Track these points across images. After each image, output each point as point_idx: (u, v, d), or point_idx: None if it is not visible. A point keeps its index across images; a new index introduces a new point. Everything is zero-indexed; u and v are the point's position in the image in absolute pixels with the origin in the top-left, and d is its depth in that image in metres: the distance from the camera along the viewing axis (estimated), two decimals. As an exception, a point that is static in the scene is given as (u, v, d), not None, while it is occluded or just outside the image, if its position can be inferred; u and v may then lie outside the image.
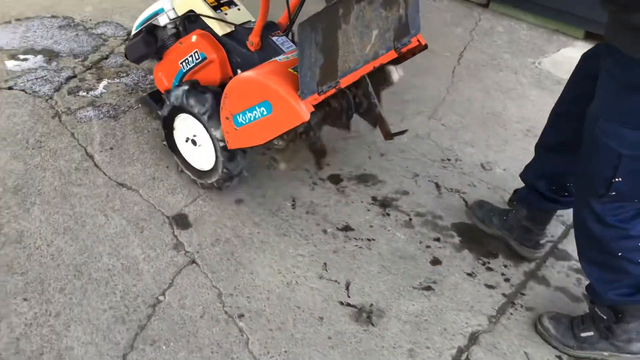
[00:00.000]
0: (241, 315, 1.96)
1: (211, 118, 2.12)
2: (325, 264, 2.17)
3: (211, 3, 2.24)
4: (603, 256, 1.78)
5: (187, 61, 2.29)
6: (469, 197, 2.50)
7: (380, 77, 2.16)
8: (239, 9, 2.29)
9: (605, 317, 1.84)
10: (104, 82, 3.00)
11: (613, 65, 1.58)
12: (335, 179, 2.55)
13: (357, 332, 1.95)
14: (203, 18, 2.23)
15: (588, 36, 3.64)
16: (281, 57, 2.01)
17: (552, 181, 2.05)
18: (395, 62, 2.16)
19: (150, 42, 2.45)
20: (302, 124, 1.84)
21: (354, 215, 2.38)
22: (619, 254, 1.73)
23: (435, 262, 2.21)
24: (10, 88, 2.90)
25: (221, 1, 2.27)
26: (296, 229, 2.30)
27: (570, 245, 2.33)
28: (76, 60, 3.13)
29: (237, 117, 1.96)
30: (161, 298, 2.00)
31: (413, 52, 2.18)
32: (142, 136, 2.66)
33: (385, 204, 2.45)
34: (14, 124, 2.68)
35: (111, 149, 2.60)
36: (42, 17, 3.48)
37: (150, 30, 2.44)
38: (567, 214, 2.46)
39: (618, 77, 1.56)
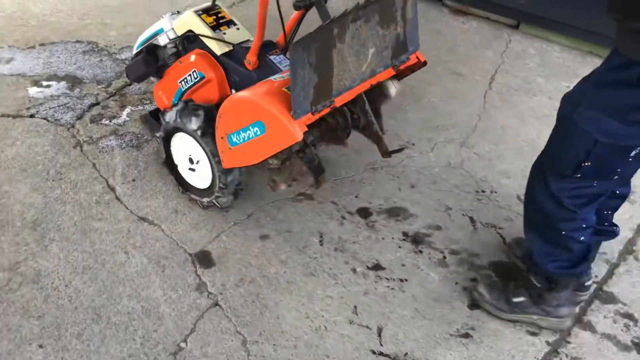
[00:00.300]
0: (267, 364, 1.85)
1: (205, 134, 2.12)
2: (355, 307, 2.05)
3: (210, 23, 2.25)
4: (548, 231, 1.85)
5: (185, 80, 2.30)
6: (506, 233, 2.37)
7: (377, 92, 2.14)
8: (237, 29, 2.30)
9: (539, 285, 1.95)
10: (127, 110, 2.93)
11: (614, 63, 1.58)
12: (365, 213, 2.44)
13: (390, 384, 1.83)
14: (202, 38, 2.24)
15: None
16: (277, 76, 2.01)
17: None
18: (395, 77, 2.13)
19: (151, 61, 2.45)
20: (296, 143, 1.83)
21: (385, 253, 2.26)
22: (563, 232, 1.81)
23: (473, 305, 2.08)
24: (32, 116, 2.84)
25: (220, 21, 2.28)
26: (324, 267, 2.19)
27: (615, 287, 2.19)
28: (99, 87, 3.08)
29: (232, 136, 1.96)
30: (183, 345, 1.90)
31: (412, 69, 2.15)
32: (164, 167, 2.58)
33: (417, 240, 2.33)
34: (35, 154, 2.62)
35: (133, 180, 2.52)
36: (66, 42, 3.44)
37: (151, 50, 2.46)
38: (610, 252, 2.32)
39: (615, 73, 1.56)
